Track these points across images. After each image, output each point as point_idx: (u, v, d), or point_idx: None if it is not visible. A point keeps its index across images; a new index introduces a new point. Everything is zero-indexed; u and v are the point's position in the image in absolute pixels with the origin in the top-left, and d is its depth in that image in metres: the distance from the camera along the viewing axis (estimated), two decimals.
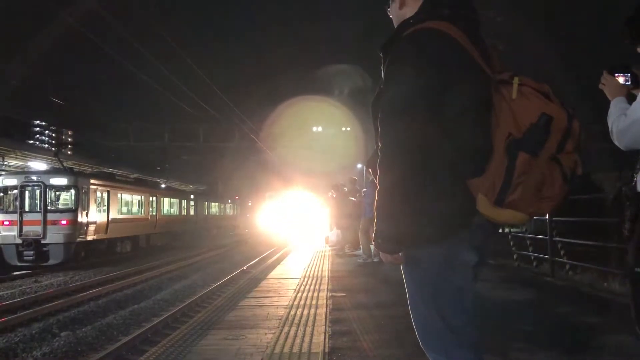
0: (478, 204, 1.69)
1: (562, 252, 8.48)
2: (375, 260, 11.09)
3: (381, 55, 1.89)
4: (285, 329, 4.90)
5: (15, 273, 18.18)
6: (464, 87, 1.72)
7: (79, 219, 20.24)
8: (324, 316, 5.47)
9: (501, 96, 1.71)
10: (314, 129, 31.16)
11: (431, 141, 1.70)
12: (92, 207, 21.58)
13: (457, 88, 1.71)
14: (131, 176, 31.86)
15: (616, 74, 2.87)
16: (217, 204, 45.14)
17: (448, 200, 1.72)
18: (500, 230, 2.09)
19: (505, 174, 1.64)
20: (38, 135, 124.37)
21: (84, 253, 20.75)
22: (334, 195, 15.42)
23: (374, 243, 1.87)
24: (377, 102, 1.87)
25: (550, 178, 1.66)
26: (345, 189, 15.22)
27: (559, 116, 1.66)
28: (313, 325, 5.04)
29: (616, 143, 2.70)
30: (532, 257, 9.57)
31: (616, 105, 2.76)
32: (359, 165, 27.86)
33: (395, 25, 1.98)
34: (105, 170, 29.32)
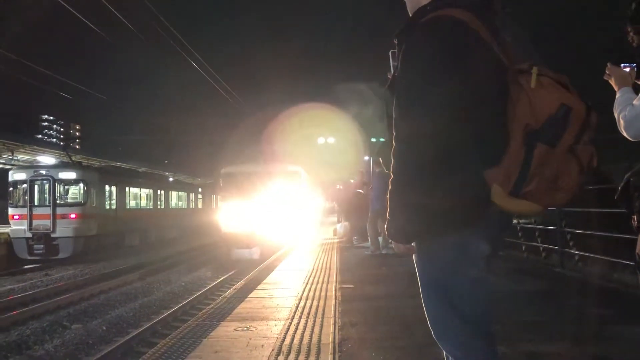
0: (493, 194, 1.68)
1: (571, 243, 8.44)
2: (383, 252, 11.10)
3: (396, 41, 1.87)
4: (295, 321, 4.92)
5: (25, 267, 18.37)
6: (481, 76, 1.71)
7: (88, 213, 20.37)
8: (333, 307, 5.48)
9: (519, 86, 1.69)
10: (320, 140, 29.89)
11: (447, 131, 1.68)
12: (101, 200, 21.71)
13: (474, 77, 1.69)
14: (139, 170, 31.98)
15: (622, 65, 2.85)
16: None
17: (463, 191, 1.70)
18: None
19: (522, 165, 1.63)
20: (46, 130, 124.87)
21: (93, 246, 20.89)
22: (341, 188, 15.45)
23: (387, 233, 1.86)
24: (391, 90, 1.85)
25: (567, 170, 1.65)
26: (352, 181, 15.25)
27: (578, 107, 1.65)
28: (322, 317, 5.06)
29: (624, 133, 2.68)
30: (541, 248, 9.53)
31: (623, 95, 2.74)
32: (366, 158, 27.73)
33: (409, 11, 1.96)
34: (113, 164, 29.44)
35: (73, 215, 19.92)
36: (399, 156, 1.73)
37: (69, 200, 20.52)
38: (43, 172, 20.41)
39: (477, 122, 1.70)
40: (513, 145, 1.66)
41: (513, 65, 1.76)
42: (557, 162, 1.64)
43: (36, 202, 19.97)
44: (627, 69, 2.83)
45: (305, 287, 6.94)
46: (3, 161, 22.65)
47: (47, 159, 24.12)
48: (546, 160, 1.63)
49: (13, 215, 19.98)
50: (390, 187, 1.76)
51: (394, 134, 1.76)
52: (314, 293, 6.42)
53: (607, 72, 2.89)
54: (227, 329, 4.69)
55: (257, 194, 19.50)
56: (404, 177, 1.72)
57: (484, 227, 1.77)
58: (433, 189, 1.70)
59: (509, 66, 1.75)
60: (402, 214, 1.75)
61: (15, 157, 22.73)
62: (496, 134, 1.69)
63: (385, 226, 1.82)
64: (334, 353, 3.85)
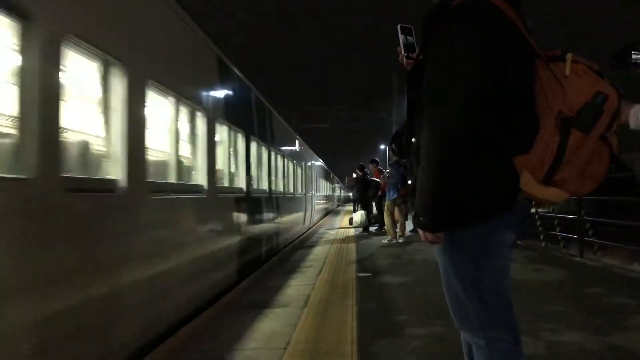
0: (522, 181, 1.66)
1: (590, 232, 8.37)
2: (400, 241, 11.10)
3: (423, 23, 1.82)
4: (313, 308, 4.96)
5: None
6: (515, 62, 1.68)
7: None
8: (350, 295, 5.51)
9: (551, 73, 1.67)
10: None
11: (481, 117, 1.64)
12: None
13: (509, 63, 1.67)
14: None
15: None
16: None
17: (495, 178, 1.69)
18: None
19: (557, 152, 1.62)
20: None
21: None
22: (356, 176, 15.50)
23: (414, 222, 1.83)
24: (416, 73, 1.82)
25: (598, 157, 1.65)
26: (367, 170, 15.26)
27: (612, 95, 1.64)
28: (340, 305, 5.08)
29: None
30: (560, 237, 9.46)
31: None
32: (382, 147, 27.66)
33: None
34: None
35: None
36: (432, 143, 1.68)
37: None
38: None
39: (510, 108, 1.68)
40: (545, 132, 1.64)
41: (543, 51, 1.74)
42: (590, 149, 1.63)
43: None
44: None
45: (322, 275, 6.97)
46: None
47: None
48: (581, 148, 1.62)
49: None
50: (421, 174, 1.71)
51: (427, 120, 1.71)
52: (332, 281, 6.45)
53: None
54: (245, 316, 4.73)
55: None
56: (436, 165, 1.67)
57: (511, 215, 1.77)
58: (466, 176, 1.67)
59: (539, 52, 1.73)
60: (433, 202, 1.71)
61: None
62: (527, 120, 1.67)
63: (413, 214, 1.79)
64: (352, 341, 3.88)
